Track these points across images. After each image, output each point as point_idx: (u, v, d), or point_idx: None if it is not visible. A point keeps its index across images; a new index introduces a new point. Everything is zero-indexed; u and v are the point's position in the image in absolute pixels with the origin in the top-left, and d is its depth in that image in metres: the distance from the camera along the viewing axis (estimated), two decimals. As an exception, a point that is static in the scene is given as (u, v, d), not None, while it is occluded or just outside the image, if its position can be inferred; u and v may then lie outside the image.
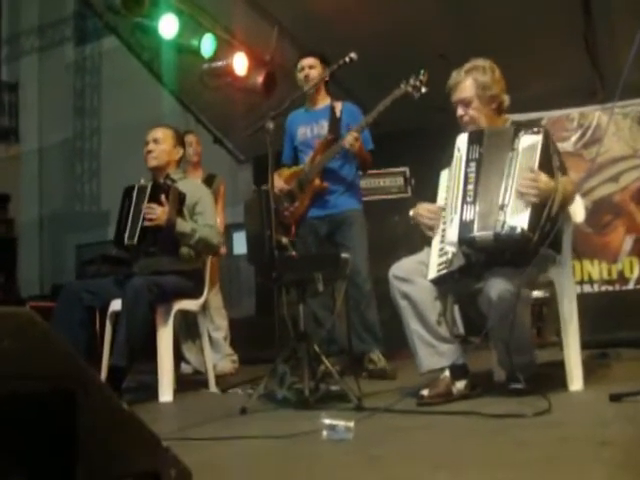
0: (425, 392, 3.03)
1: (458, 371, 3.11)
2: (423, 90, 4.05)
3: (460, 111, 3.26)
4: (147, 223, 3.98)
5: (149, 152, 4.26)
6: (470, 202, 2.99)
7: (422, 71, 4.09)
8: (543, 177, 2.88)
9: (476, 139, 3.11)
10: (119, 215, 4.14)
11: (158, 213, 3.97)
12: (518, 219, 2.86)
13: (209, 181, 5.22)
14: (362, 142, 4.31)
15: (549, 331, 5.18)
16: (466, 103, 3.24)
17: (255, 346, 5.78)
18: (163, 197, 4.01)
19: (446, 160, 3.24)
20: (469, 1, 5.44)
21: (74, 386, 1.35)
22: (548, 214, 2.88)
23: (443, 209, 3.18)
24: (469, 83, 3.23)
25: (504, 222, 2.88)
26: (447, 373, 3.09)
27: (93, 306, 4.10)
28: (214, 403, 3.89)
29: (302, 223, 4.51)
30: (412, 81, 4.08)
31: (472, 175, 3.03)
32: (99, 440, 1.37)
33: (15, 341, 1.28)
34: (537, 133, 2.97)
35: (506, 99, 3.28)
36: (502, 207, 2.90)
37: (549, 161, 2.96)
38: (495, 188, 2.96)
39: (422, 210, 3.27)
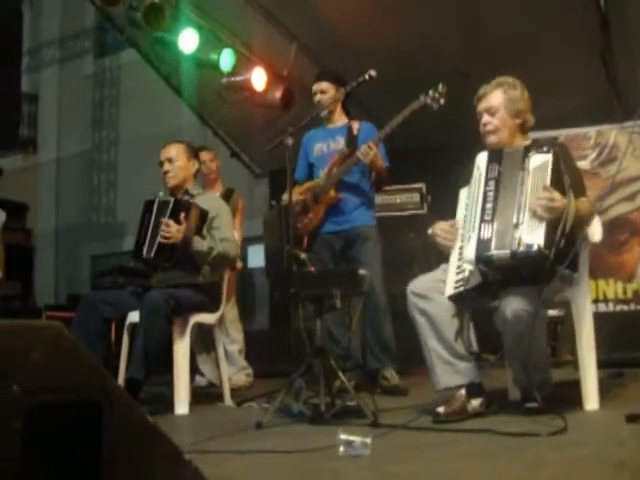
0: (441, 409, 3.04)
1: (474, 389, 3.12)
2: (442, 102, 4.07)
3: (485, 118, 3.27)
4: (162, 240, 4.01)
5: (166, 172, 4.30)
6: (488, 220, 3.00)
7: (441, 84, 4.11)
8: (556, 195, 2.89)
9: (495, 158, 3.13)
10: (139, 228, 4.17)
11: (173, 232, 3.99)
12: (534, 237, 2.87)
13: (227, 196, 5.24)
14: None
15: (564, 350, 5.16)
16: (492, 112, 3.25)
17: (269, 360, 5.80)
18: (182, 215, 4.03)
19: (465, 178, 3.26)
20: (486, 18, 5.47)
21: (100, 398, 1.37)
22: (562, 231, 2.88)
23: (455, 226, 3.22)
24: (498, 93, 3.26)
25: (520, 240, 2.89)
26: (463, 391, 3.10)
27: (110, 317, 4.14)
28: (229, 416, 3.90)
29: (317, 238, 4.52)
30: (431, 93, 4.11)
31: (491, 194, 3.05)
32: (123, 451, 1.39)
33: (44, 354, 1.31)
34: (547, 152, 2.98)
35: (531, 119, 3.29)
36: (516, 225, 2.92)
37: (560, 179, 2.97)
38: (510, 207, 2.99)
39: (438, 229, 3.30)
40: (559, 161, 3.00)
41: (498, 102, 3.25)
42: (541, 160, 2.97)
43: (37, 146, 12.62)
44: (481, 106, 3.30)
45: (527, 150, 3.05)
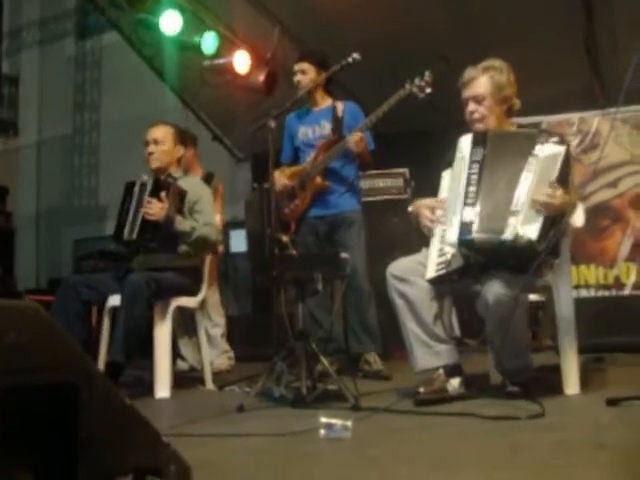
0: (421, 389, 3.05)
1: (452, 369, 3.13)
2: (427, 90, 4.06)
3: (472, 106, 3.23)
4: (146, 217, 4.00)
5: (150, 154, 4.25)
6: (471, 203, 2.99)
7: (427, 72, 4.08)
8: (559, 193, 2.87)
9: (480, 141, 3.10)
10: (120, 210, 4.16)
11: (156, 209, 3.99)
12: (528, 229, 2.85)
13: (207, 180, 5.19)
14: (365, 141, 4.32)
15: (544, 335, 5.19)
16: (479, 100, 3.22)
17: (251, 343, 5.79)
18: (163, 194, 4.03)
19: (448, 161, 3.23)
20: (471, 5, 5.45)
21: (77, 380, 1.35)
22: (557, 227, 2.88)
23: (443, 201, 3.17)
24: (485, 80, 3.21)
25: (514, 229, 2.87)
26: (441, 371, 3.11)
27: (91, 301, 4.11)
28: (211, 400, 3.89)
29: (302, 222, 4.51)
30: (417, 81, 4.08)
31: (474, 177, 3.03)
32: (101, 434, 1.37)
33: (20, 334, 1.28)
34: (560, 144, 2.96)
35: (517, 103, 3.27)
36: (513, 213, 2.90)
37: (567, 175, 2.96)
38: (502, 191, 2.96)
39: (424, 209, 3.26)
40: (570, 156, 2.99)
41: (485, 90, 3.20)
42: (552, 150, 2.94)
43: (18, 129, 12.50)
44: (467, 93, 3.26)
45: (539, 136, 3.00)
